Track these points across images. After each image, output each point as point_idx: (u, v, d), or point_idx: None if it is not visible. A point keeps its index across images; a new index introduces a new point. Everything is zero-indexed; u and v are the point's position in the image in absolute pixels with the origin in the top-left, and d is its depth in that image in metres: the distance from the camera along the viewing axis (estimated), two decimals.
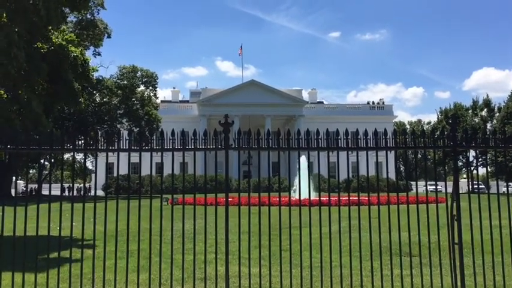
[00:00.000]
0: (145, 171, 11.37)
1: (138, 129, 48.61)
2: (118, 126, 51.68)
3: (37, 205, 6.19)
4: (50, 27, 15.30)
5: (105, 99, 52.29)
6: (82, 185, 44.30)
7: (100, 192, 44.00)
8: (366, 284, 6.62)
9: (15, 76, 13.61)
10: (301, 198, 6.57)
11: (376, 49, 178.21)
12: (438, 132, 6.68)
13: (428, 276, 6.46)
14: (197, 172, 6.76)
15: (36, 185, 51.16)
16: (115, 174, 44.41)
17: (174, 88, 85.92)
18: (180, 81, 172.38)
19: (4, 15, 11.97)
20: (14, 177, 49.01)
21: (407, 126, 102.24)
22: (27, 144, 6.13)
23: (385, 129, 6.57)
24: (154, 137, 6.40)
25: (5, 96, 13.34)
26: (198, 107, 72.15)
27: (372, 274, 6.38)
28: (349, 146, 6.45)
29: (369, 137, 6.42)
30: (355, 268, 6.48)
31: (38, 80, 15.57)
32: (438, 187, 8.38)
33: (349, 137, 6.45)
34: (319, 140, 6.45)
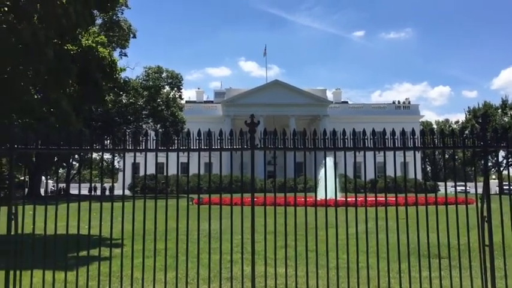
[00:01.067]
0: (171, 171, 11.43)
1: (163, 129, 49.18)
2: (144, 126, 52.34)
3: (67, 204, 6.31)
4: (80, 29, 15.63)
5: (131, 100, 52.98)
6: (107, 185, 45.01)
7: (126, 192, 44.70)
8: (393, 286, 6.53)
9: (45, 78, 13.92)
10: (327, 198, 6.53)
11: (401, 48, 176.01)
12: (467, 132, 6.56)
13: (457, 278, 6.34)
14: (222, 172, 6.81)
15: (65, 185, 52.24)
16: (141, 174, 44.94)
17: (198, 88, 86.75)
18: (203, 82, 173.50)
19: (35, 17, 12.30)
20: (43, 177, 50.14)
21: (434, 126, 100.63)
22: (57, 144, 6.27)
23: (413, 129, 6.48)
24: (181, 137, 6.46)
25: (36, 96, 13.68)
26: (222, 107, 72.49)
27: (399, 276, 6.29)
28: (376, 146, 6.38)
29: (396, 137, 6.34)
30: (382, 269, 6.41)
31: (67, 81, 15.93)
32: (467, 188, 8.25)
33: (376, 137, 6.39)
34: (345, 140, 6.41)
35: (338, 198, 6.61)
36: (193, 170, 10.88)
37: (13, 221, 6.17)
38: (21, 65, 13.00)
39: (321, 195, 6.95)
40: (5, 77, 12.71)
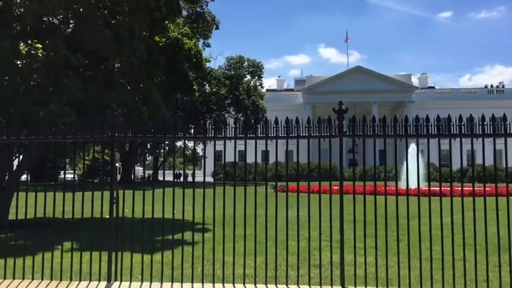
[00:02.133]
0: (253, 158, 11.71)
1: (246, 118, 50.04)
2: (226, 115, 53.56)
3: (163, 190, 6.65)
4: (168, 21, 16.25)
5: (214, 90, 54.39)
6: (190, 172, 46.67)
7: (210, 179, 46.28)
8: (492, 279, 6.19)
9: (137, 68, 14.65)
10: (419, 187, 6.33)
11: (492, 28, 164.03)
12: None
13: None
14: (302, 160, 6.86)
15: (152, 171, 54.99)
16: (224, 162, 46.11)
17: (278, 77, 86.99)
18: (283, 70, 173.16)
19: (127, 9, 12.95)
20: (134, 164, 53.07)
21: None
22: (154, 133, 6.61)
23: None
24: (269, 125, 6.53)
25: (129, 88, 14.46)
26: (302, 94, 72.17)
27: (499, 269, 5.96)
28: (474, 132, 6.05)
29: (496, 123, 5.96)
30: (479, 262, 6.09)
31: (157, 72, 16.68)
32: None
33: (474, 122, 6.05)
34: (439, 127, 6.14)
35: (425, 187, 6.36)
36: (273, 157, 10.92)
37: (114, 205, 6.63)
38: (115, 58, 13.77)
39: (410, 184, 6.73)
40: (103, 70, 13.55)
